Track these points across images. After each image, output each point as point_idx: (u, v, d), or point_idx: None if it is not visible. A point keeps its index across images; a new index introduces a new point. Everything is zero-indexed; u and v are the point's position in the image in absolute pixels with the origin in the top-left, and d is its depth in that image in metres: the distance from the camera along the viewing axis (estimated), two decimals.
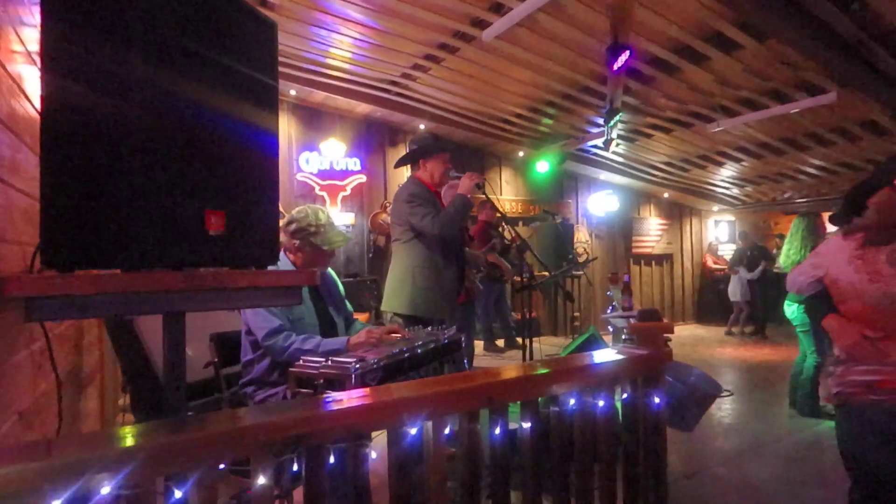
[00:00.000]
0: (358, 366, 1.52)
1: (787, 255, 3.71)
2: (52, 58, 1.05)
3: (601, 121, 5.46)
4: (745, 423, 3.55)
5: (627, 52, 3.62)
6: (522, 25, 3.88)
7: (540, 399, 1.46)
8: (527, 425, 1.42)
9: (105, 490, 0.81)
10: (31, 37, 1.42)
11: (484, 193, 2.85)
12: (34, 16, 1.46)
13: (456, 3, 3.75)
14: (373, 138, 6.40)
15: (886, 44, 3.80)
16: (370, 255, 6.23)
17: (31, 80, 1.40)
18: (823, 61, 3.97)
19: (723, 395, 2.54)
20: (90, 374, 2.18)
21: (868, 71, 4.08)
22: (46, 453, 0.82)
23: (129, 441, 0.90)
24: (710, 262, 9.44)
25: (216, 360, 1.95)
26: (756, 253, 7.75)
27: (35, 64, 1.45)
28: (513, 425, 1.41)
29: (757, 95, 4.92)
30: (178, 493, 0.92)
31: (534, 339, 3.67)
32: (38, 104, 1.37)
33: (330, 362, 1.54)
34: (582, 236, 8.13)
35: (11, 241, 1.14)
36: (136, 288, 0.98)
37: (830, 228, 4.59)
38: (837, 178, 7.17)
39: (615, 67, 3.67)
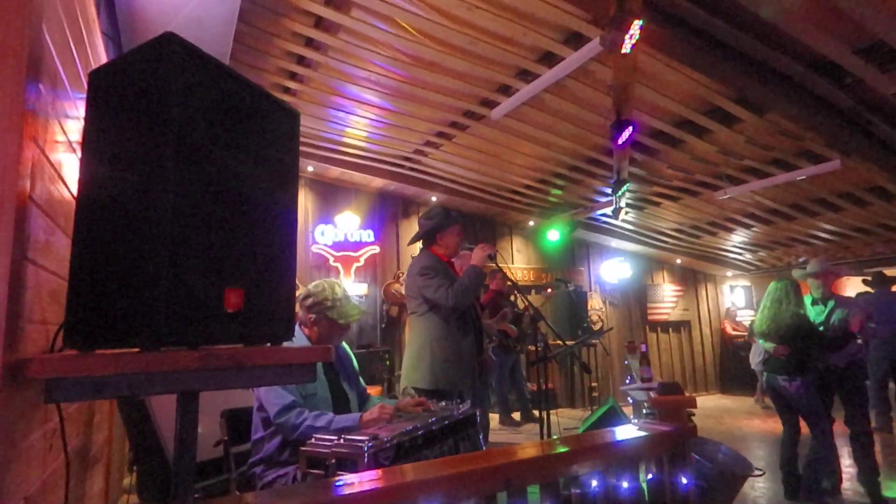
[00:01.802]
0: (371, 444, 1.47)
1: (775, 319, 3.34)
2: (92, 148, 1.14)
3: (609, 190, 5.59)
4: None
5: (631, 128, 3.77)
6: (529, 104, 4.09)
7: (560, 479, 1.39)
8: None
9: None
10: (73, 128, 1.53)
11: (496, 263, 2.88)
12: (78, 109, 1.59)
13: (465, 86, 3.99)
14: (386, 210, 6.59)
15: (882, 113, 3.92)
16: (383, 325, 6.21)
17: (69, 166, 1.49)
18: (823, 132, 4.09)
19: (754, 474, 2.39)
20: (98, 454, 2.13)
21: (867, 139, 4.18)
22: None
23: None
24: (728, 329, 9.22)
25: (226, 438, 1.91)
26: None
27: (75, 152, 1.55)
28: None
29: (761, 164, 5.03)
30: None
31: (551, 411, 3.55)
32: (73, 188, 1.45)
33: (342, 441, 1.51)
34: (596, 304, 8.05)
35: (37, 321, 1.17)
36: (154, 367, 0.99)
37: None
38: (851, 241, 7.13)
39: (620, 142, 3.81)
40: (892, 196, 5.49)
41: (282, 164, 1.32)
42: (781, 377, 3.30)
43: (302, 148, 5.55)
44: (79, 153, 1.29)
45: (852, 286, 4.16)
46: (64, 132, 1.46)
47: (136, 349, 1.01)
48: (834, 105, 3.82)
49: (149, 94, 1.07)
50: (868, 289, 5.69)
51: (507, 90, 4.01)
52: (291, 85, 4.14)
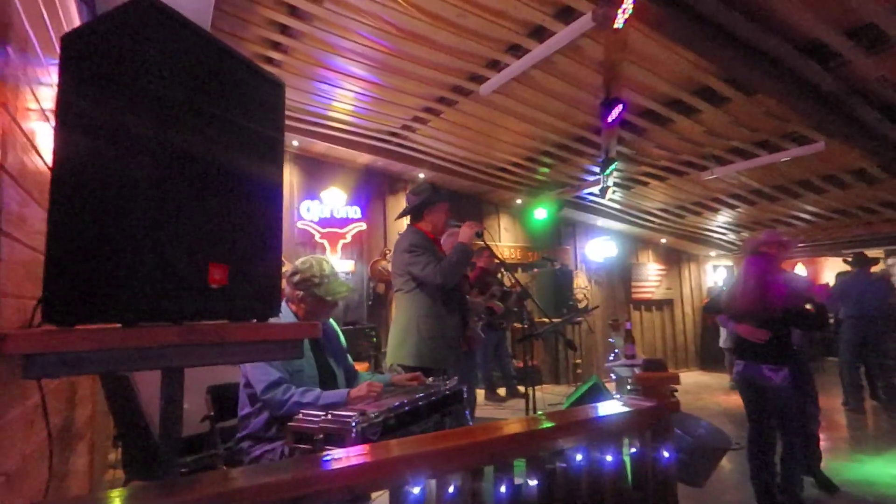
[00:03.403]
0: (358, 420, 1.48)
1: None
2: (66, 116, 1.09)
3: (597, 169, 5.59)
4: None
5: (621, 106, 3.75)
6: (518, 81, 4.03)
7: (545, 454, 1.42)
8: (533, 482, 1.37)
9: None
10: (46, 95, 1.47)
11: (483, 241, 2.87)
12: (51, 75, 1.52)
13: (454, 60, 3.91)
14: (373, 186, 6.51)
15: (865, 97, 3.95)
16: (370, 302, 6.20)
17: (43, 135, 1.43)
18: (808, 114, 4.11)
19: (733, 447, 2.46)
20: (81, 429, 2.11)
21: (851, 122, 4.22)
22: None
23: None
24: None
25: (212, 413, 1.90)
26: None
27: (48, 121, 1.49)
28: (518, 481, 1.36)
29: (747, 145, 5.07)
30: None
31: (536, 387, 3.61)
32: (48, 159, 1.40)
33: (330, 416, 1.51)
34: (581, 282, 8.12)
35: (13, 294, 1.14)
36: (135, 343, 0.97)
37: None
38: (831, 223, 7.26)
39: (609, 120, 3.79)
40: (873, 178, 5.58)
41: (266, 135, 1.28)
42: (767, 367, 2.74)
43: (287, 122, 5.45)
44: (53, 122, 1.24)
45: (830, 266, 4.22)
46: (36, 99, 1.40)
47: (117, 325, 0.99)
48: (819, 88, 3.84)
49: (125, 60, 1.02)
50: (848, 268, 5.81)
51: (496, 65, 3.94)
52: (275, 56, 4.02)
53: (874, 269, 5.84)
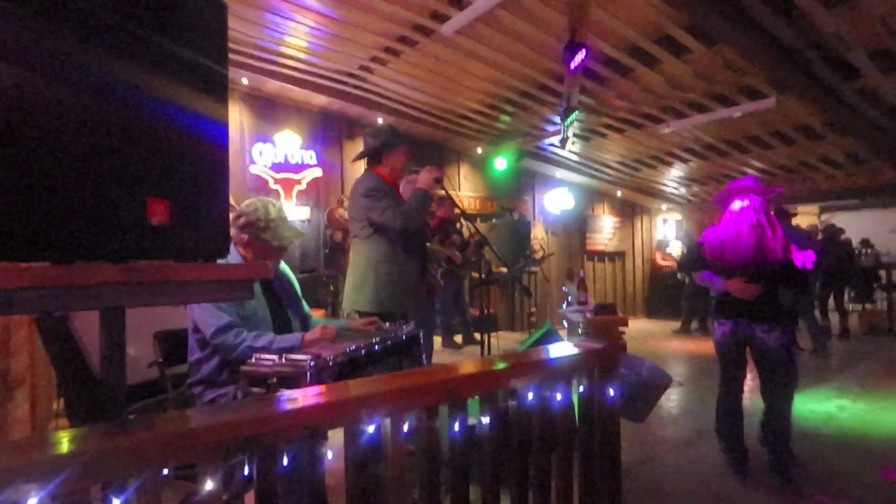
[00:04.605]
0: (314, 363, 1.47)
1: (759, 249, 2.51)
2: None
3: (558, 119, 5.56)
4: (692, 412, 3.71)
5: (584, 51, 3.69)
6: (482, 21, 3.89)
7: (499, 392, 1.46)
8: (486, 420, 1.42)
9: (33, 501, 0.74)
10: None
11: (443, 188, 2.83)
12: None
13: None
14: (329, 131, 6.27)
15: (821, 51, 4.05)
16: (326, 250, 6.11)
17: None
18: (765, 66, 4.19)
19: (673, 385, 2.62)
20: (19, 378, 2.02)
21: (806, 77, 4.33)
22: None
23: (62, 447, 0.83)
24: (659, 260, 9.82)
25: (161, 359, 1.85)
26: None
27: None
28: (472, 420, 1.41)
29: (704, 99, 5.15)
30: (116, 502, 0.86)
31: (491, 334, 3.70)
32: None
33: (284, 360, 1.49)
34: (538, 233, 8.27)
35: None
36: (69, 281, 0.90)
37: None
38: (774, 179, 7.60)
39: (572, 66, 3.73)
40: (817, 135, 5.82)
41: (207, 63, 1.17)
42: (761, 328, 2.47)
43: (235, 57, 5.07)
44: None
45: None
46: None
47: (47, 263, 0.91)
48: (779, 40, 3.89)
49: None
50: None
51: (459, 2, 3.77)
52: None
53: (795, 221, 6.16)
